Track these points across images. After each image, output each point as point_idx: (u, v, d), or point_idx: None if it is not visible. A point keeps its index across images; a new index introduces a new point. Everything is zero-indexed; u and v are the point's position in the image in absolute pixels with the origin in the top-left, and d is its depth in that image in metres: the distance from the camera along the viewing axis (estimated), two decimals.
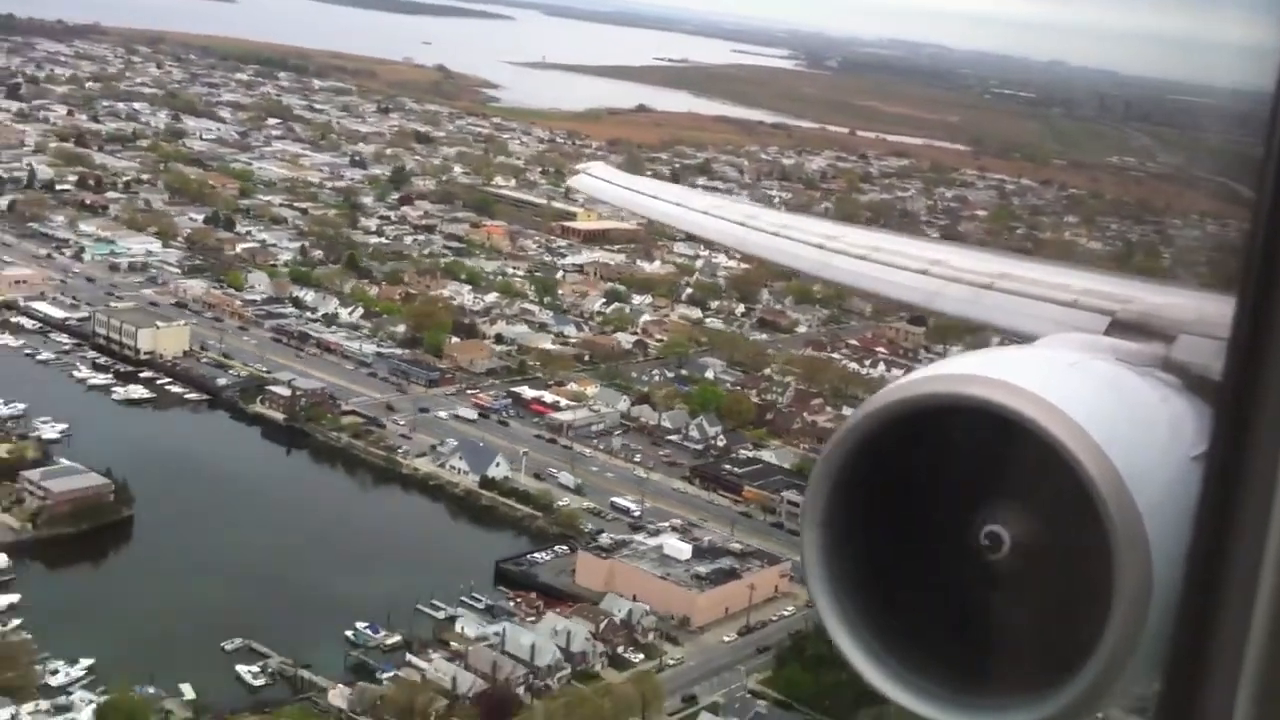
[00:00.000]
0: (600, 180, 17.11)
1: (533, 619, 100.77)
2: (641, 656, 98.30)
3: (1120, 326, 6.76)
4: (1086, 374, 5.28)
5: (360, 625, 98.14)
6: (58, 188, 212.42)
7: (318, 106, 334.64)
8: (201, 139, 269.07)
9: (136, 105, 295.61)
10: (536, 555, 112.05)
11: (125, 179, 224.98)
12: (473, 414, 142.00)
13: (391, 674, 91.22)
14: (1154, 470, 4.59)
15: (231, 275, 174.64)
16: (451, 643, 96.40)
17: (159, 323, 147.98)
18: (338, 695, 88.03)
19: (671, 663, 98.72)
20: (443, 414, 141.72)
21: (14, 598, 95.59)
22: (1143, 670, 4.44)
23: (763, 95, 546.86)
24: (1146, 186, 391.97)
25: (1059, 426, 4.47)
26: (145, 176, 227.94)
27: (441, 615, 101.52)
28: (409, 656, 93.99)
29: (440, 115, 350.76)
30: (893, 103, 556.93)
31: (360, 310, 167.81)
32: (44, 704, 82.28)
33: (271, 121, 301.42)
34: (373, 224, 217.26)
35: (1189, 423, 5.07)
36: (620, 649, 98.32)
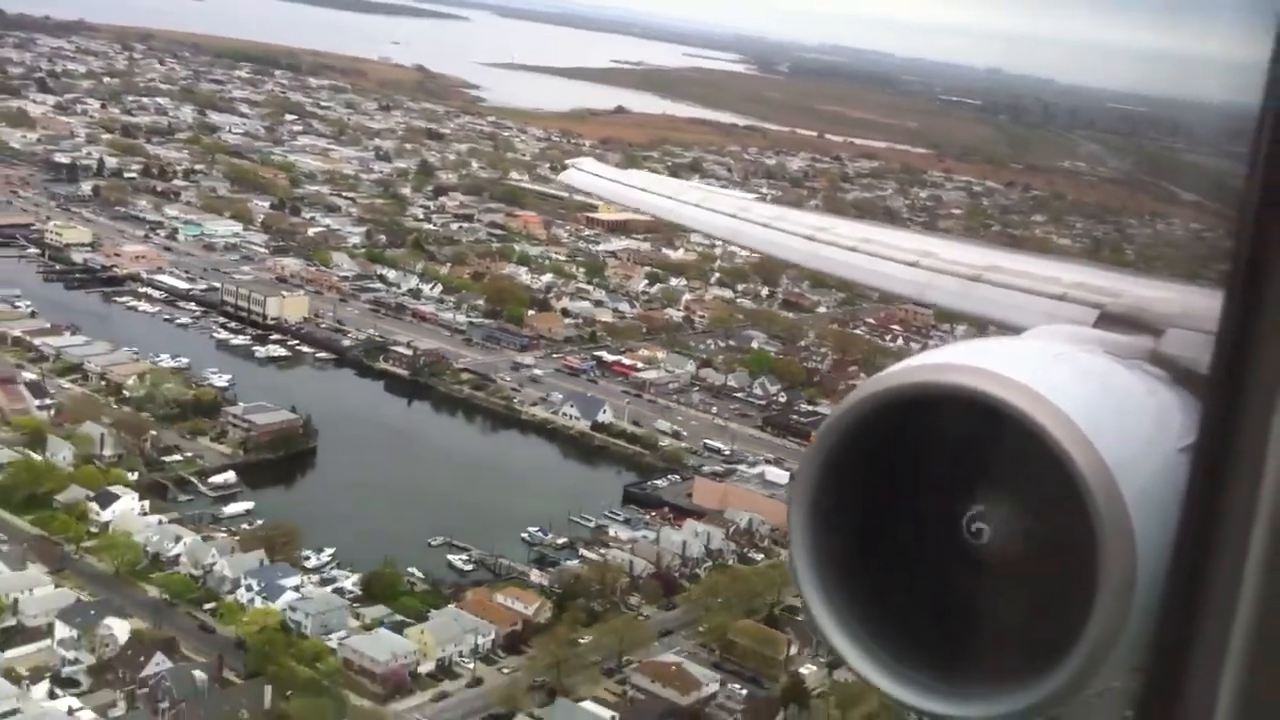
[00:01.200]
0: (589, 174, 17.53)
1: (666, 527, 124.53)
2: (762, 555, 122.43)
3: (1109, 319, 6.95)
4: (1074, 365, 5.42)
5: (531, 529, 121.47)
6: (125, 175, 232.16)
7: (324, 104, 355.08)
8: (232, 133, 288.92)
9: (160, 100, 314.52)
10: (656, 481, 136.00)
11: (181, 168, 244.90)
12: (565, 372, 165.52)
13: (573, 562, 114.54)
14: (1140, 461, 4.73)
15: (319, 254, 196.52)
16: (609, 544, 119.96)
17: (284, 293, 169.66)
18: (537, 576, 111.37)
19: (785, 559, 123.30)
20: (539, 372, 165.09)
21: (249, 504, 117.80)
22: (1126, 660, 4.57)
23: (727, 99, 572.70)
24: (1100, 189, 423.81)
25: (1046, 416, 4.58)
26: (199, 167, 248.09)
27: (591, 525, 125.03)
28: (581, 551, 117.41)
29: (438, 114, 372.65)
30: (854, 107, 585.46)
31: (439, 287, 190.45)
32: (313, 578, 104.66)
33: (289, 117, 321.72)
34: (418, 212, 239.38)
35: (1176, 415, 5.22)
36: (745, 550, 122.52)
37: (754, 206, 13.32)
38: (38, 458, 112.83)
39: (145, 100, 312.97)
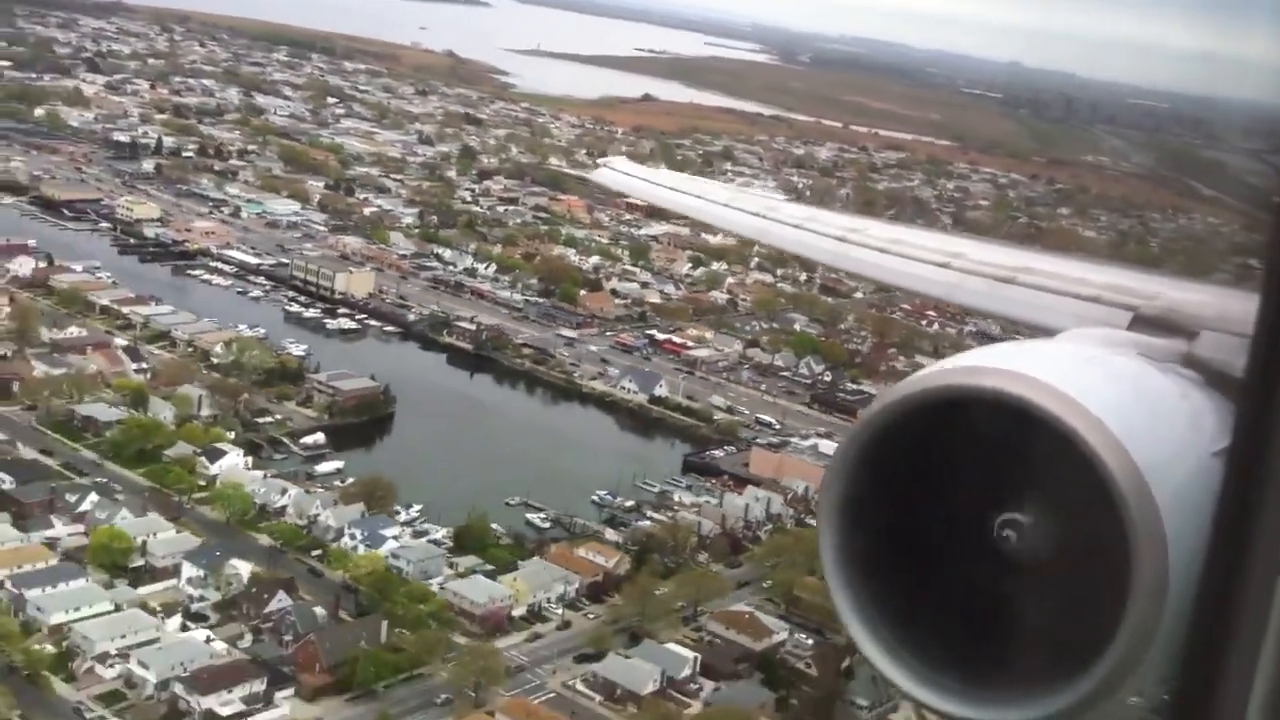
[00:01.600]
0: (620, 173, 17.59)
1: (727, 494, 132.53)
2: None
3: (1142, 322, 6.94)
4: (1107, 368, 5.42)
5: (600, 493, 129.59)
6: (183, 154, 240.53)
7: (362, 88, 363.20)
8: (278, 115, 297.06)
9: (205, 82, 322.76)
10: (714, 451, 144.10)
11: (234, 148, 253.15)
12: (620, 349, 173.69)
13: (643, 523, 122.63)
14: (1173, 465, 4.71)
15: (378, 233, 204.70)
16: (674, 507, 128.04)
17: (351, 269, 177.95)
18: (611, 535, 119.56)
19: None
20: (594, 348, 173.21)
21: (339, 463, 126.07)
22: (1158, 664, 4.54)
23: (751, 88, 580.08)
24: (1124, 184, 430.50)
25: (1078, 420, 4.57)
26: (251, 147, 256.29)
27: (655, 490, 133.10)
28: (649, 513, 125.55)
29: (472, 99, 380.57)
30: (876, 99, 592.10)
31: (493, 266, 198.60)
32: (406, 530, 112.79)
33: (331, 100, 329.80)
34: (465, 195, 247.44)
35: (1210, 419, 5.21)
36: (802, 515, 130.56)
37: (782, 206, 13.32)
38: (144, 417, 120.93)
39: (191, 81, 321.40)
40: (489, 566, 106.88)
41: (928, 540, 5.18)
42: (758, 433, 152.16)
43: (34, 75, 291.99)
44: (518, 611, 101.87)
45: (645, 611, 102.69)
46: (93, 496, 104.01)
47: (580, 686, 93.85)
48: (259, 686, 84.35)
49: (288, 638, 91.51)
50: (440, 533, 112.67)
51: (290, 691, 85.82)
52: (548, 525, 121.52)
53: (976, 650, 4.99)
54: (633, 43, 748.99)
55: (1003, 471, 4.89)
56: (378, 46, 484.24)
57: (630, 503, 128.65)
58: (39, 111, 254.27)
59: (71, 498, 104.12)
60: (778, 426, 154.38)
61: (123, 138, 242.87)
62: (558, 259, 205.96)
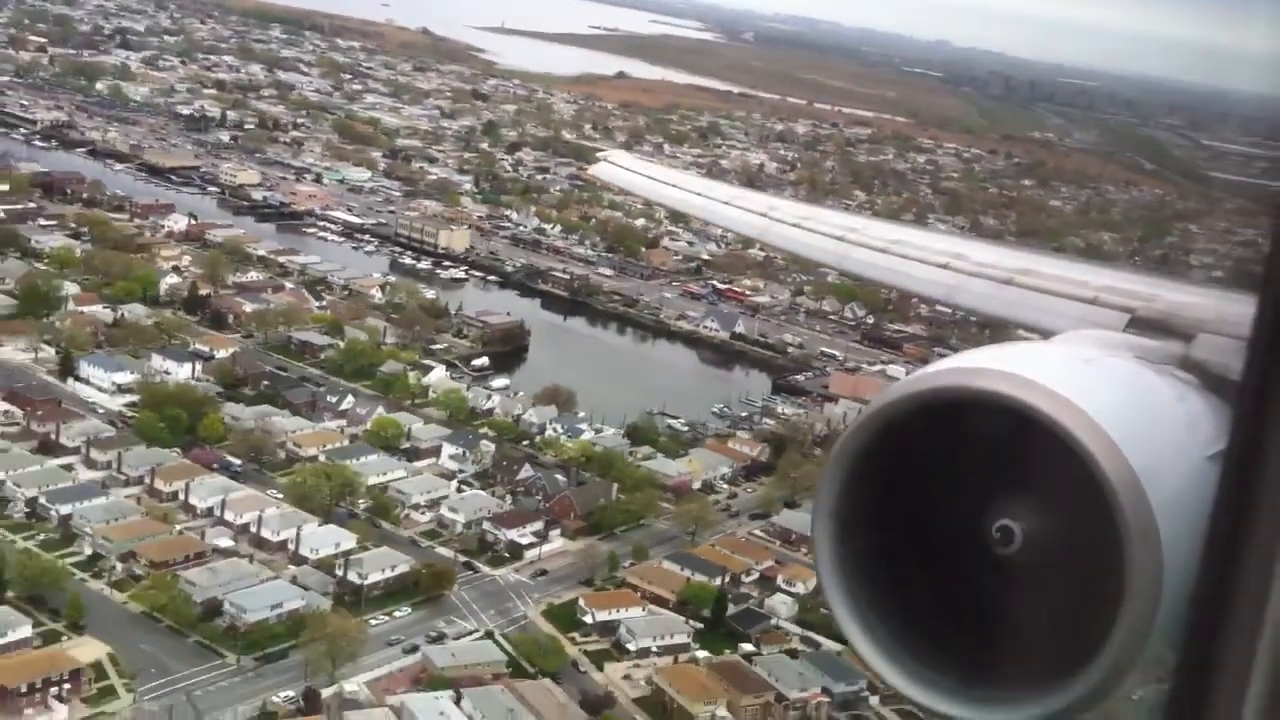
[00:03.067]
0: (620, 168, 17.81)
1: (819, 407, 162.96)
2: None
3: (1139, 324, 7.07)
4: (1103, 370, 5.53)
5: (718, 405, 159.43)
6: (245, 126, 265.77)
7: (365, 66, 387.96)
8: (307, 91, 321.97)
9: (226, 58, 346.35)
10: (796, 376, 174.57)
11: (284, 121, 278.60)
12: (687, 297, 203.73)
13: (763, 426, 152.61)
14: (1169, 468, 4.80)
15: (450, 197, 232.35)
16: (779, 416, 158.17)
17: (452, 226, 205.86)
18: (743, 435, 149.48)
19: None
20: (668, 295, 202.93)
21: (505, 380, 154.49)
22: (1152, 666, 4.65)
23: (713, 66, 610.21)
24: (1074, 159, 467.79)
25: (1074, 422, 4.67)
26: (300, 120, 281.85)
27: (759, 404, 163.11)
28: (763, 420, 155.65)
29: (466, 75, 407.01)
30: (831, 77, 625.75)
31: (558, 226, 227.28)
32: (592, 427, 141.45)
33: (345, 76, 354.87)
34: (504, 165, 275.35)
35: (1206, 421, 5.30)
36: None
37: (783, 205, 13.55)
38: (359, 339, 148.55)
39: (214, 58, 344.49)
40: (660, 455, 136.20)
41: (924, 542, 5.33)
42: (825, 363, 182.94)
43: (74, 51, 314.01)
44: (695, 485, 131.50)
45: (794, 486, 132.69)
46: (349, 398, 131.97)
47: (759, 534, 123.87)
48: (538, 526, 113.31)
49: (538, 498, 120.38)
50: (610, 430, 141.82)
51: (558, 531, 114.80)
52: (685, 429, 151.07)
53: (973, 651, 5.17)
54: (584, 20, 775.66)
55: (999, 473, 5.05)
56: (355, 23, 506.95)
57: (744, 413, 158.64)
58: (99, 86, 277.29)
59: (331, 398, 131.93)
60: (840, 358, 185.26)
61: (186, 110, 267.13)
62: (614, 220, 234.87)
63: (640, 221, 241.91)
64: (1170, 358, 6.18)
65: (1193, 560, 4.25)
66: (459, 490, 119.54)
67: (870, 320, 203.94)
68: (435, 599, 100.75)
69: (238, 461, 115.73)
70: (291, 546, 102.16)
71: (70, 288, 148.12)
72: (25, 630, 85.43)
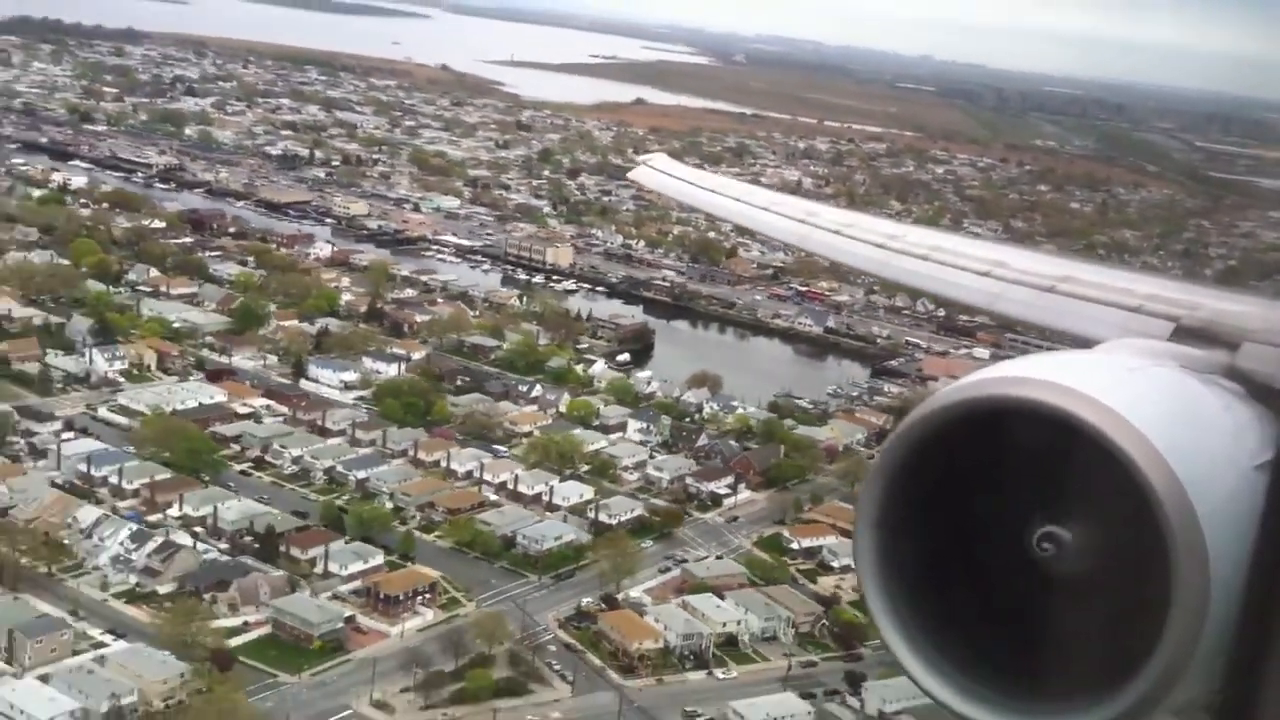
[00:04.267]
0: (660, 173, 17.75)
1: (919, 386, 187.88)
2: None
3: (1184, 333, 7.09)
4: (1148, 379, 5.52)
5: (831, 387, 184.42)
6: (331, 163, 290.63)
7: (407, 102, 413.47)
8: (367, 129, 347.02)
9: (283, 100, 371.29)
10: (891, 362, 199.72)
11: (362, 156, 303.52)
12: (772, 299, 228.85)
13: (875, 403, 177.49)
14: (1215, 478, 4.79)
15: (538, 219, 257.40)
16: (887, 394, 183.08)
17: (557, 245, 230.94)
18: (865, 409, 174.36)
19: None
20: (757, 297, 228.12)
21: (649, 372, 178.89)
22: (1200, 678, 4.60)
23: (718, 89, 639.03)
24: (1078, 164, 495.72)
25: (1118, 432, 4.70)
26: (376, 156, 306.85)
27: (864, 385, 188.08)
28: (872, 398, 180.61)
29: (501, 108, 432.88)
30: (834, 95, 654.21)
31: (641, 241, 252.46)
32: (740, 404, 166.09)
33: (395, 114, 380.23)
34: (571, 188, 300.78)
35: (1252, 431, 5.31)
36: None
37: (823, 211, 13.51)
38: (527, 340, 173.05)
39: (271, 101, 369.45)
40: (800, 426, 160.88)
41: (967, 551, 5.37)
42: (911, 350, 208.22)
43: (147, 100, 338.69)
44: (839, 448, 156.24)
45: None
46: (537, 387, 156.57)
47: None
48: (729, 480, 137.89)
49: (716, 460, 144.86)
50: (753, 407, 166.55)
51: (744, 485, 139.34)
52: (810, 406, 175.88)
53: (1016, 662, 5.20)
54: (583, 50, 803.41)
55: (1042, 482, 5.08)
56: (378, 62, 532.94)
57: (854, 394, 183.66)
58: (188, 131, 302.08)
59: (522, 388, 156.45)
60: (924, 346, 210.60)
61: (274, 151, 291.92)
62: (687, 235, 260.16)
63: (710, 234, 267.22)
64: (1215, 367, 6.15)
65: (1240, 571, 4.43)
66: (651, 455, 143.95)
67: (941, 313, 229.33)
68: (668, 535, 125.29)
69: (460, 437, 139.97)
70: (545, 498, 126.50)
71: (270, 306, 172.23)
72: (379, 559, 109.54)
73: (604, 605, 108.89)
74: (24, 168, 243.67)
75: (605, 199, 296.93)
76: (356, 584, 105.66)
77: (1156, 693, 4.64)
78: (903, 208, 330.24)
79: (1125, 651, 4.73)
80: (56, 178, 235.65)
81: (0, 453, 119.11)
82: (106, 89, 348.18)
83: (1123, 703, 4.70)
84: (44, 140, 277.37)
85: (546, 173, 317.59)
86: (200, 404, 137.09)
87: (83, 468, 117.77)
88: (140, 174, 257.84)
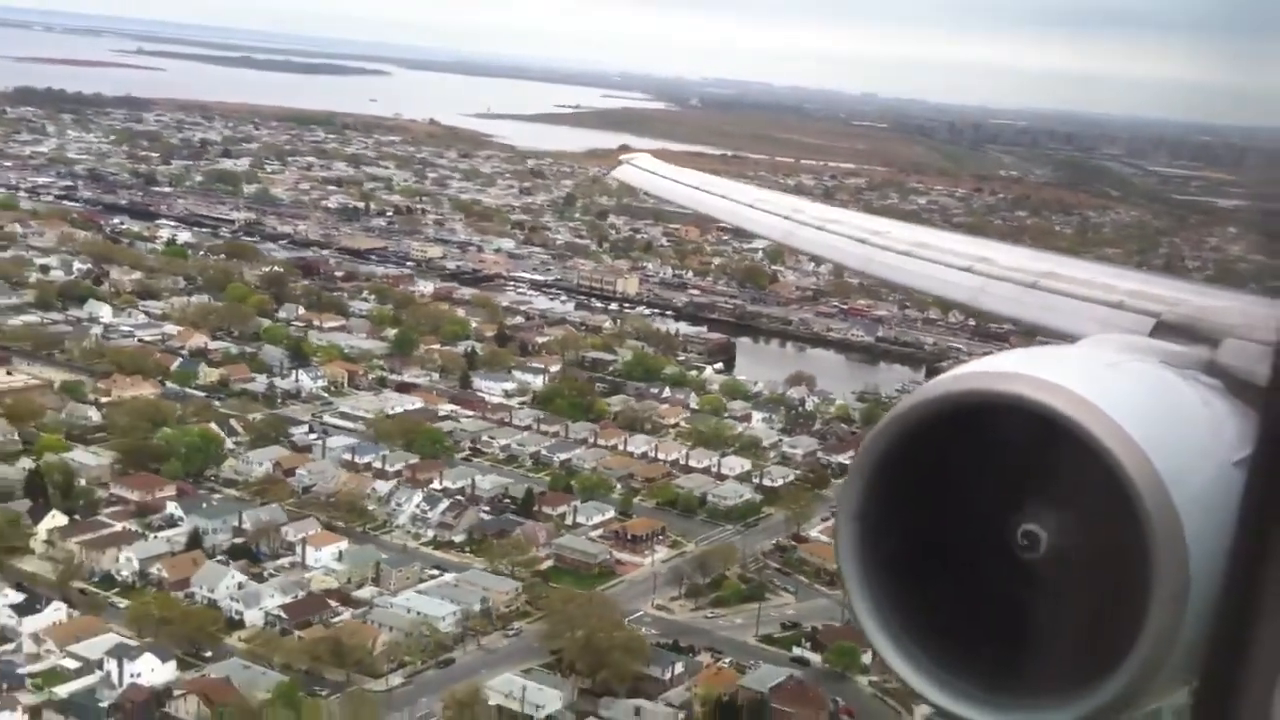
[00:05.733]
0: (645, 171, 18.15)
1: None
2: None
3: (1165, 328, 7.26)
4: (1128, 375, 5.71)
5: (898, 384, 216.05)
6: (386, 214, 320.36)
7: (419, 156, 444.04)
8: (404, 182, 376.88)
9: (311, 159, 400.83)
10: (941, 364, 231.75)
11: (408, 206, 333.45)
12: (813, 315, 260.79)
13: None
14: (1194, 473, 4.96)
15: (594, 256, 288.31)
16: None
17: (625, 276, 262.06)
18: None
19: None
20: (806, 315, 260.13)
21: (744, 376, 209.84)
22: (1179, 672, 4.78)
23: (693, 133, 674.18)
24: (1047, 191, 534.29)
25: (1099, 426, 4.83)
26: (421, 206, 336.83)
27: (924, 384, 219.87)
28: None
29: (502, 157, 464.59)
30: (802, 134, 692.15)
31: (690, 271, 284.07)
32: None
33: (415, 166, 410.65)
34: (605, 227, 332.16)
35: (1231, 427, 5.47)
36: None
37: (808, 207, 13.92)
38: (643, 352, 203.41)
39: (299, 159, 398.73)
40: None
41: (948, 545, 5.52)
42: (956, 354, 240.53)
43: (190, 162, 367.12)
44: None
45: None
46: (666, 389, 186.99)
47: None
48: (850, 453, 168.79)
49: (831, 440, 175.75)
50: (842, 400, 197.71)
51: None
52: (888, 399, 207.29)
53: (998, 656, 5.37)
54: (547, 100, 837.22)
55: (1024, 478, 5.24)
56: (370, 120, 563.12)
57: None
58: (247, 189, 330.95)
59: (653, 390, 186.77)
60: (965, 350, 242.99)
61: (330, 204, 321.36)
62: (737, 265, 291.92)
63: (747, 263, 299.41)
64: (1196, 362, 6.30)
65: (1219, 565, 4.55)
66: (781, 437, 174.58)
67: (972, 322, 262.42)
68: (819, 494, 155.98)
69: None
70: (713, 470, 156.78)
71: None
72: (610, 513, 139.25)
73: (795, 541, 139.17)
74: (123, 226, 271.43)
75: (639, 236, 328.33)
76: (599, 531, 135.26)
77: (1137, 685, 4.83)
78: None
79: (1106, 644, 4.93)
80: (162, 234, 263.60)
81: (281, 446, 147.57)
82: (147, 153, 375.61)
83: (1103, 696, 4.90)
84: (123, 201, 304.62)
85: (577, 215, 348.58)
86: (404, 410, 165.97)
87: (347, 457, 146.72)
88: (224, 229, 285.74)
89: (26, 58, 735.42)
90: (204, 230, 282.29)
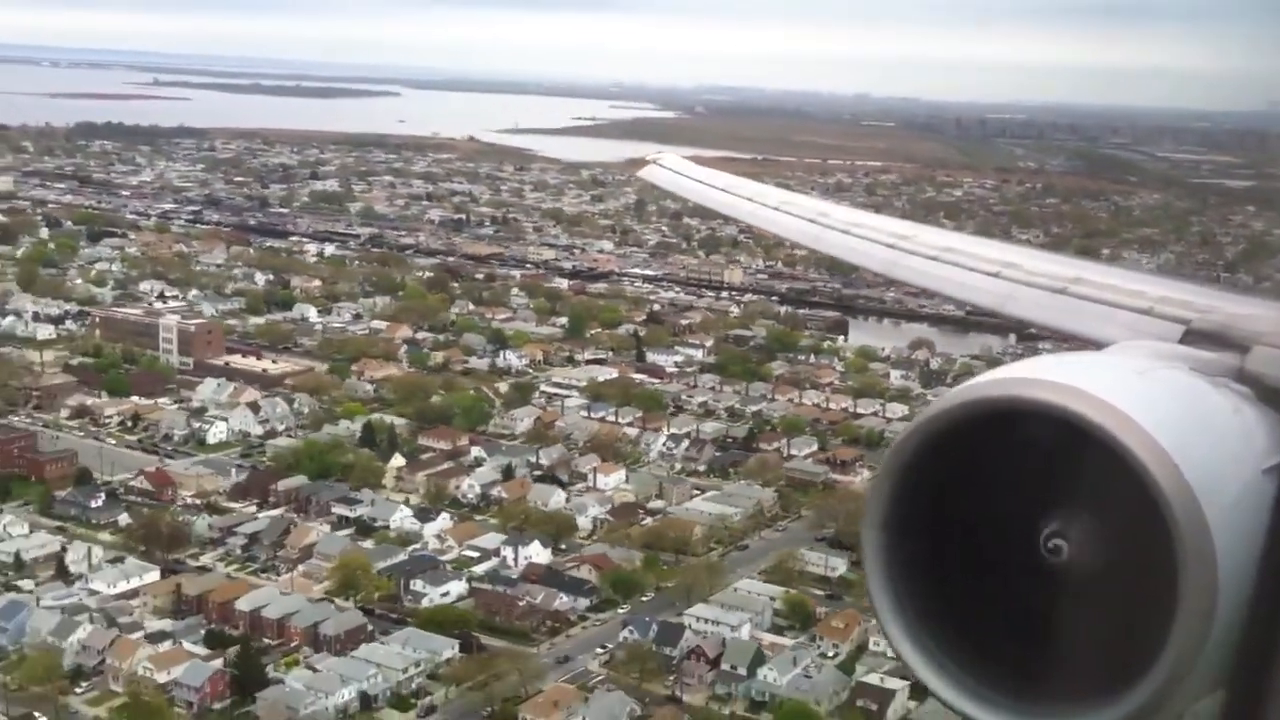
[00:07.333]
0: (671, 171, 18.31)
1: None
2: None
3: (1195, 335, 7.26)
4: (1157, 382, 5.71)
5: (998, 347, 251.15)
6: (485, 224, 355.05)
7: (481, 171, 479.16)
8: (480, 194, 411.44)
9: (385, 177, 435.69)
10: (1031, 329, 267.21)
11: (504, 216, 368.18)
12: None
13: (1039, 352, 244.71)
14: (1224, 481, 4.98)
15: (690, 253, 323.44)
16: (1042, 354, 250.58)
17: (729, 267, 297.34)
18: None
19: None
20: (891, 294, 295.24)
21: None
22: (1206, 682, 4.80)
23: (717, 139, 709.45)
24: (1070, 179, 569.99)
25: (1127, 434, 4.84)
26: (511, 215, 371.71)
27: (1020, 349, 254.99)
28: (1035, 352, 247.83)
29: (553, 170, 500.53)
30: (821, 136, 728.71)
31: (778, 262, 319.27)
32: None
33: (486, 180, 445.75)
34: (685, 227, 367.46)
35: (1262, 435, 5.50)
36: None
37: (834, 210, 13.96)
38: (763, 331, 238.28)
39: (376, 178, 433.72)
40: None
41: (974, 553, 5.55)
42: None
43: (283, 187, 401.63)
44: None
45: None
46: (813, 356, 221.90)
47: None
48: None
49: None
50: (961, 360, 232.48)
51: None
52: (998, 358, 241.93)
53: (1023, 664, 5.41)
54: (563, 114, 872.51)
55: (1051, 484, 5.26)
56: (417, 140, 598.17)
57: (1020, 350, 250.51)
58: (353, 207, 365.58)
59: (800, 357, 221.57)
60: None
61: (432, 217, 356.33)
62: (795, 258, 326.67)
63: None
64: (1226, 370, 6.31)
65: (1248, 574, 4.63)
66: (922, 389, 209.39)
67: None
68: None
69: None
70: (880, 413, 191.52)
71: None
72: (814, 446, 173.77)
73: None
74: (267, 244, 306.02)
75: (719, 234, 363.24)
76: (809, 461, 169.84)
77: (1162, 695, 4.85)
78: (955, 225, 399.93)
79: (1132, 653, 4.96)
80: (309, 248, 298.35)
81: (533, 406, 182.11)
82: (242, 178, 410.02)
83: (1128, 705, 4.95)
84: (251, 222, 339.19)
85: (652, 218, 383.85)
86: (606, 379, 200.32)
87: (583, 414, 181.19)
88: (352, 242, 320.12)
89: (57, 94, 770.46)
90: (334, 244, 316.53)
